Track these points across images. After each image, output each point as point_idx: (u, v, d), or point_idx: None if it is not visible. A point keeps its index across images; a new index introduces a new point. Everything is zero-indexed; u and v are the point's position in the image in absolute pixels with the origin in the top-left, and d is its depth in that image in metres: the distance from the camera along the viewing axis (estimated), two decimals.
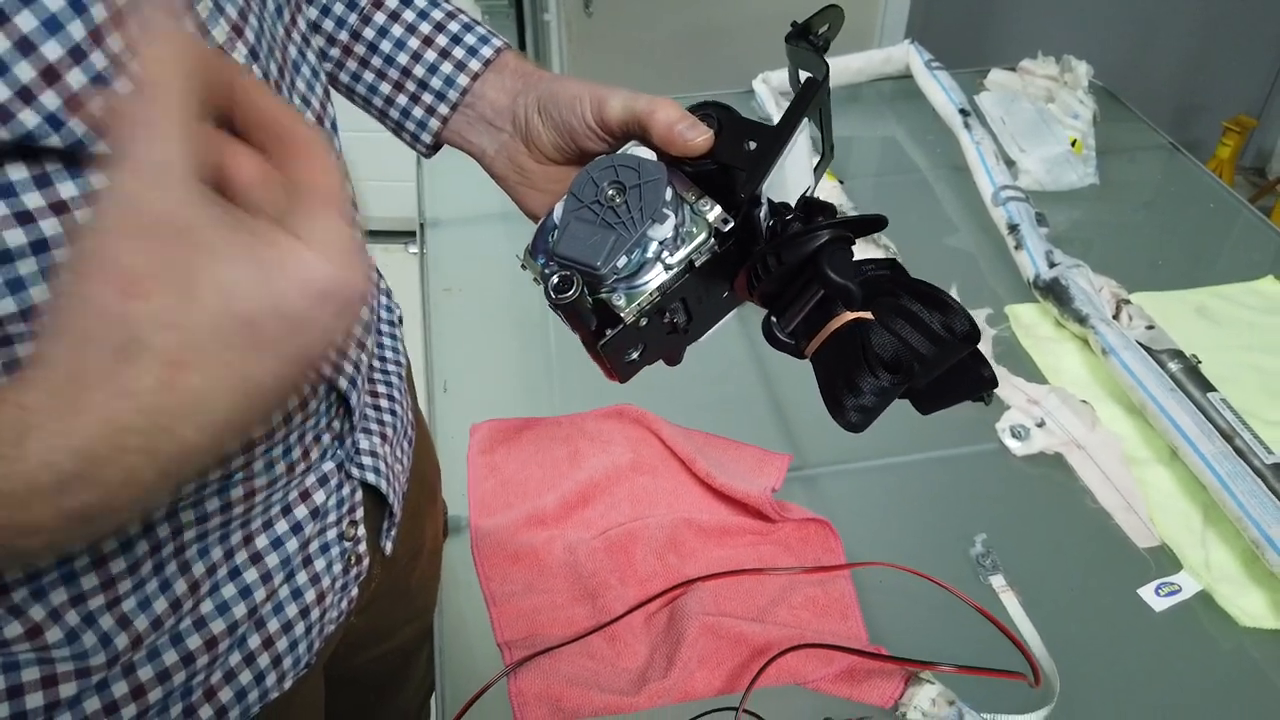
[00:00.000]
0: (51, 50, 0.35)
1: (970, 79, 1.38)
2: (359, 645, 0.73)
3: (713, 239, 0.49)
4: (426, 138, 0.62)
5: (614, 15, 2.15)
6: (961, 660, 0.67)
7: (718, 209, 0.49)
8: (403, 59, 0.61)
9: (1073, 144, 1.25)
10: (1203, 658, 0.74)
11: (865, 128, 1.42)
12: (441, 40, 0.61)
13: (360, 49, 0.62)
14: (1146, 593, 0.77)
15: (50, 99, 0.35)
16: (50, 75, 0.35)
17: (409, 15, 0.62)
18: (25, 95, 0.34)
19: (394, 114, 0.63)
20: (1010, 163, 1.23)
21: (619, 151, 0.52)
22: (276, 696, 0.57)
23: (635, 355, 0.50)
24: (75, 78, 0.35)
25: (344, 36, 0.62)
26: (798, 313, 0.49)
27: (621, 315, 0.48)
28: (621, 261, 0.47)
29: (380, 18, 0.62)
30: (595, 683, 0.68)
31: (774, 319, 0.50)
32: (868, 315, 0.46)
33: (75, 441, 0.29)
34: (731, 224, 0.49)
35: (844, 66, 1.39)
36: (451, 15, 0.62)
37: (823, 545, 0.80)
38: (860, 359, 0.45)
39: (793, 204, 0.52)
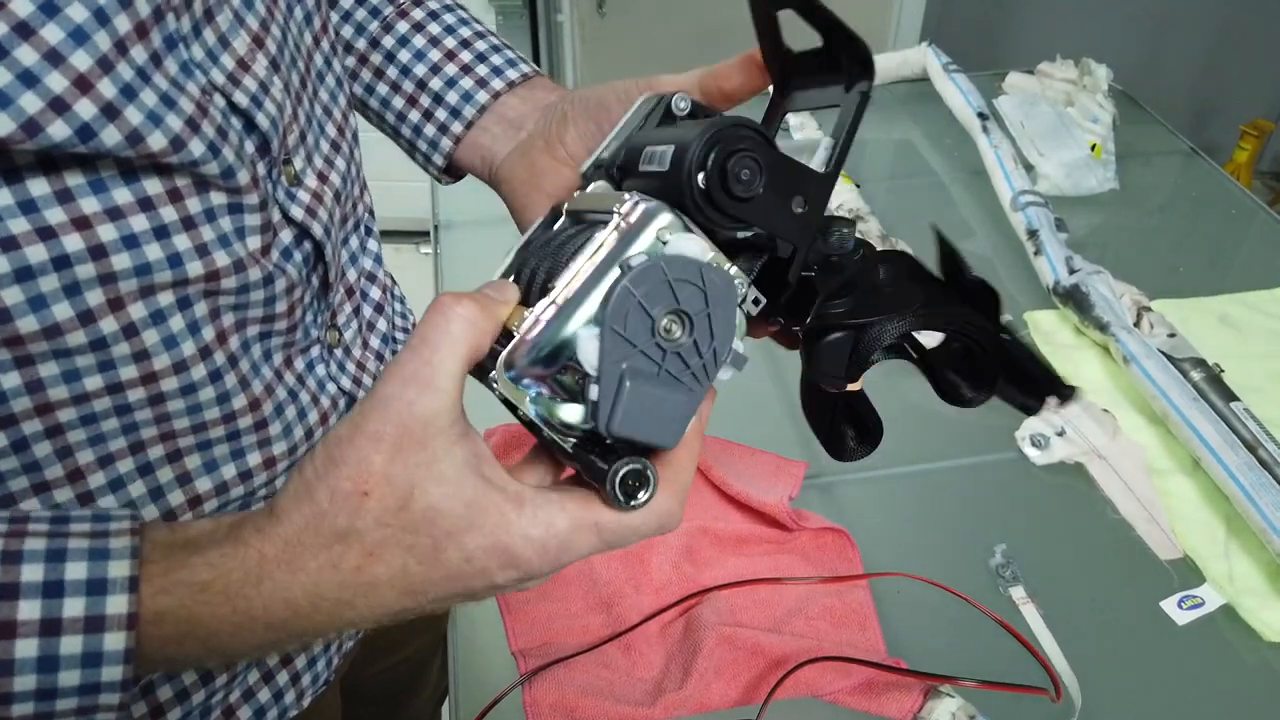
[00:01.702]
0: (81, 60, 0.34)
1: (988, 82, 1.37)
2: (373, 656, 0.72)
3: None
4: (438, 159, 0.58)
5: (627, 16, 2.14)
6: (981, 672, 0.66)
7: (753, 290, 0.39)
8: (420, 70, 0.57)
9: (1092, 148, 1.23)
10: (1226, 672, 0.73)
11: (881, 131, 1.41)
12: (465, 56, 0.57)
13: (377, 58, 0.58)
14: (1169, 605, 0.76)
15: (85, 108, 0.35)
16: (83, 85, 0.35)
17: (434, 28, 0.58)
18: (58, 106, 0.34)
19: (406, 132, 0.59)
20: (1029, 167, 1.22)
21: (656, 248, 0.35)
22: (295, 715, 0.56)
23: None
24: (106, 88, 0.35)
25: (362, 44, 0.59)
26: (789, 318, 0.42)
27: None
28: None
29: (403, 26, 0.58)
30: (610, 693, 0.68)
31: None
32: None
33: (292, 594, 0.34)
34: (762, 305, 0.39)
35: None
36: (481, 35, 0.58)
37: (840, 555, 0.79)
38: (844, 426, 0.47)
39: None
